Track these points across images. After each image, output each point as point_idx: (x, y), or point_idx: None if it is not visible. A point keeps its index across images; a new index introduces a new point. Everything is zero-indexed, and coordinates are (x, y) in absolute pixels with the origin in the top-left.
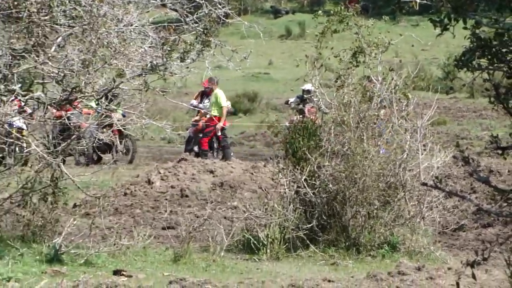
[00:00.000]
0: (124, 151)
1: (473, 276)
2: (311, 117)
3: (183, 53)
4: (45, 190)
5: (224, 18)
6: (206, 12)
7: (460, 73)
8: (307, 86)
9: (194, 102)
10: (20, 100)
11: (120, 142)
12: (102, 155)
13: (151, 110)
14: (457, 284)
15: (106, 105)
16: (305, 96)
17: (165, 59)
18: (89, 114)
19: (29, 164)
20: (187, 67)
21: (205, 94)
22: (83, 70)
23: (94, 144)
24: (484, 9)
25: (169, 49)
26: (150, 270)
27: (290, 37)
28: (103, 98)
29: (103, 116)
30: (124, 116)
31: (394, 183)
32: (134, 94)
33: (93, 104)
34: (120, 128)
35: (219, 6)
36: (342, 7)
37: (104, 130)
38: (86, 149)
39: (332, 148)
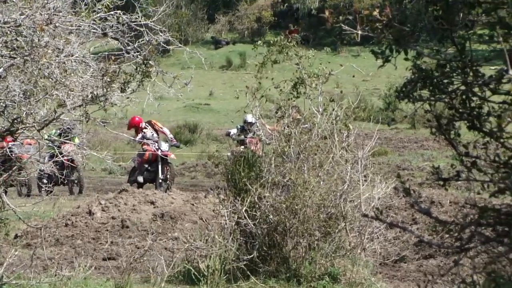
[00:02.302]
0: (76, 181)
1: None
2: (252, 148)
3: (123, 83)
4: None
5: (165, 45)
6: (147, 40)
7: (401, 104)
8: (249, 118)
9: (140, 136)
10: None
11: (72, 173)
12: (54, 187)
13: (92, 141)
14: None
15: (64, 136)
16: (246, 127)
17: (105, 90)
18: (31, 144)
19: None
20: (128, 97)
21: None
22: (25, 101)
23: (45, 175)
24: (426, 40)
25: (109, 80)
26: None
27: (231, 68)
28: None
29: (56, 147)
30: (81, 145)
31: (335, 214)
32: (75, 125)
33: (46, 136)
34: (74, 158)
35: (161, 34)
36: (282, 37)
37: (57, 160)
38: (27, 180)
39: (273, 179)
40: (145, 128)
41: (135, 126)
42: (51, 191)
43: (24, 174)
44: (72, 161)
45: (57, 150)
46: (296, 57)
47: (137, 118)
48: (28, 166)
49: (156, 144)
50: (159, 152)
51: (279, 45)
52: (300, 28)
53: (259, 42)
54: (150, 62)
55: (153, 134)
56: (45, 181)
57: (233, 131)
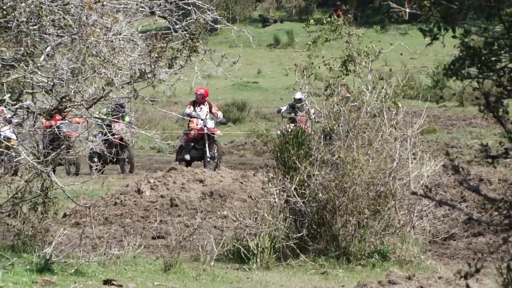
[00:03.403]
0: (127, 160)
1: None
2: (302, 126)
3: (171, 59)
4: (35, 200)
5: (212, 24)
6: (195, 18)
7: (449, 82)
8: (298, 95)
9: (188, 111)
10: (3, 109)
11: (123, 151)
12: (104, 165)
13: (141, 119)
14: None
15: (114, 115)
16: (296, 104)
17: (153, 66)
18: (79, 123)
19: (19, 174)
20: (176, 73)
21: (196, 102)
22: (73, 79)
23: (95, 154)
24: (473, 18)
25: (156, 56)
26: (140, 279)
27: (279, 46)
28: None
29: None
30: (131, 123)
31: (384, 192)
32: (124, 103)
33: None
34: (124, 136)
35: (208, 12)
36: (335, 17)
37: (108, 138)
38: (75, 159)
39: (322, 157)
40: (199, 105)
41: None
42: (102, 170)
43: (73, 152)
44: (122, 139)
45: (106, 129)
46: (346, 36)
47: (198, 89)
48: (76, 145)
49: (203, 122)
50: (205, 130)
51: (332, 24)
52: (348, 6)
53: (311, 20)
54: (197, 37)
55: (201, 111)
56: (95, 159)
57: (284, 108)
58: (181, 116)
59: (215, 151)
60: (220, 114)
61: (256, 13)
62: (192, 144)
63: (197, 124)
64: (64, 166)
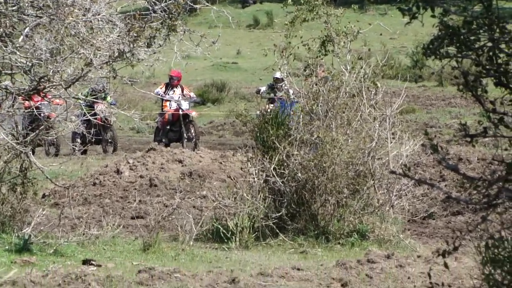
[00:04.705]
0: (110, 140)
1: (446, 266)
2: None
3: (149, 38)
4: (14, 181)
5: (192, 4)
6: None
7: (428, 61)
8: (278, 74)
9: (159, 90)
10: None
11: (106, 132)
12: (87, 146)
13: (120, 100)
14: (429, 274)
15: (95, 95)
16: (275, 84)
17: (131, 45)
18: (59, 104)
19: None
20: (155, 52)
21: (170, 85)
22: (51, 60)
23: (78, 135)
24: None
25: (135, 35)
26: (119, 259)
27: (258, 27)
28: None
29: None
30: (113, 104)
31: (363, 171)
32: (103, 84)
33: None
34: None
35: None
36: None
37: (90, 119)
38: (55, 140)
39: (301, 137)
40: (172, 88)
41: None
42: (84, 151)
43: (52, 133)
44: (105, 120)
45: (86, 110)
46: (324, 16)
47: (174, 72)
48: (56, 126)
49: (177, 104)
50: (180, 112)
51: (309, 4)
52: None
53: (289, 0)
54: (176, 16)
55: (174, 93)
56: (78, 140)
57: (263, 88)
58: (155, 95)
59: (193, 131)
60: (192, 94)
61: None
62: (169, 127)
63: (170, 107)
64: (43, 147)
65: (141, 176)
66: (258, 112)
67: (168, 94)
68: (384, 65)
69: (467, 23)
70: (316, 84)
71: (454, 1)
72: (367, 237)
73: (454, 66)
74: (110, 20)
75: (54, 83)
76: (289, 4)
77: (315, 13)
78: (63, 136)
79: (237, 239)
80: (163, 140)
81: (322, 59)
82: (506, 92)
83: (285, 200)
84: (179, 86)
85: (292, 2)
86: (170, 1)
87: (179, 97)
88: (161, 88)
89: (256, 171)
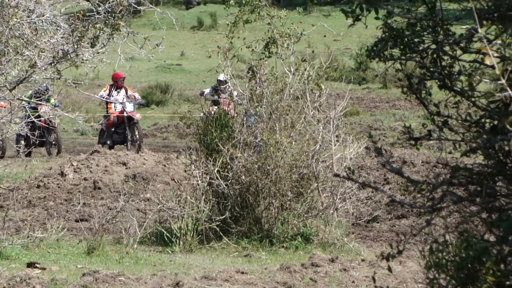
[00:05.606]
0: (54, 142)
1: (389, 269)
2: (225, 108)
3: (93, 38)
4: None
5: (135, 6)
6: (118, 0)
7: (372, 64)
8: (222, 76)
9: (103, 93)
10: None
11: (50, 134)
12: (31, 148)
13: (64, 102)
14: (373, 278)
15: (39, 97)
16: (219, 86)
17: (75, 46)
18: (4, 106)
19: None
20: (98, 52)
21: (114, 87)
22: None
23: (22, 137)
24: None
25: (79, 35)
26: (63, 262)
27: (202, 28)
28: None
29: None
30: (57, 106)
31: (307, 174)
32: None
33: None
34: (49, 119)
35: None
36: None
37: (34, 121)
38: (1, 141)
39: (245, 139)
40: (117, 89)
41: (114, 79)
42: (29, 153)
43: None
44: (49, 122)
45: (30, 112)
46: (268, 17)
47: (119, 73)
48: (1, 128)
49: (122, 105)
50: (124, 114)
51: (251, 5)
52: None
53: (231, 1)
54: (119, 15)
55: (118, 95)
56: (23, 142)
57: (207, 90)
58: (99, 98)
59: (137, 133)
60: (137, 95)
61: None
62: (113, 129)
63: (115, 109)
64: None
65: (85, 179)
66: (202, 114)
67: (113, 96)
68: (328, 67)
69: (411, 25)
70: (259, 86)
71: (398, 3)
72: (311, 240)
73: (398, 68)
74: (54, 21)
75: None
76: (231, 5)
77: (257, 14)
78: (7, 138)
79: (181, 242)
80: (108, 142)
81: (266, 60)
82: (450, 95)
83: (229, 203)
84: (123, 87)
85: (235, 3)
86: (113, 2)
87: (123, 98)
88: (104, 90)
89: (200, 174)
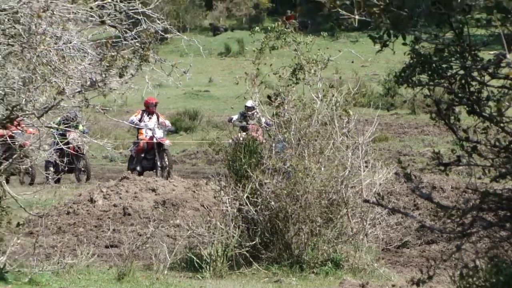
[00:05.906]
0: (83, 169)
1: None
2: (253, 134)
3: (121, 68)
4: None
5: (162, 33)
6: (145, 27)
7: (400, 89)
8: (249, 103)
9: (134, 119)
10: None
11: (79, 161)
12: (60, 175)
13: (93, 128)
14: None
15: (67, 124)
16: (247, 113)
17: (104, 75)
18: (32, 134)
19: None
20: (127, 82)
21: (146, 112)
22: (24, 88)
23: (51, 164)
24: (424, 25)
25: (107, 65)
26: None
27: (229, 55)
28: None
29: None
30: (86, 132)
31: (337, 200)
32: (76, 113)
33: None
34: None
35: (158, 22)
36: (280, 23)
37: (62, 148)
38: (31, 168)
39: (274, 165)
40: (149, 115)
41: (146, 104)
42: (58, 179)
43: (27, 162)
44: (78, 148)
45: (58, 139)
46: (294, 43)
47: (151, 98)
48: (29, 154)
49: (152, 132)
50: (154, 140)
51: (276, 31)
52: (297, 14)
53: (257, 28)
54: (148, 45)
55: (150, 120)
56: (52, 169)
57: (235, 117)
58: (128, 124)
59: (166, 160)
60: (167, 122)
61: (207, 21)
62: (143, 155)
63: (146, 136)
64: (17, 176)
65: (114, 205)
66: (230, 141)
67: (144, 122)
68: (356, 93)
69: (438, 51)
70: (288, 113)
71: (425, 29)
72: (341, 266)
73: (427, 94)
74: (81, 48)
75: (27, 112)
76: (257, 32)
77: (282, 40)
78: (36, 165)
79: (211, 268)
80: (137, 168)
81: (293, 87)
82: (479, 121)
83: (259, 228)
84: (155, 113)
85: (261, 30)
86: (140, 29)
87: (155, 125)
88: (136, 115)
89: (229, 200)
